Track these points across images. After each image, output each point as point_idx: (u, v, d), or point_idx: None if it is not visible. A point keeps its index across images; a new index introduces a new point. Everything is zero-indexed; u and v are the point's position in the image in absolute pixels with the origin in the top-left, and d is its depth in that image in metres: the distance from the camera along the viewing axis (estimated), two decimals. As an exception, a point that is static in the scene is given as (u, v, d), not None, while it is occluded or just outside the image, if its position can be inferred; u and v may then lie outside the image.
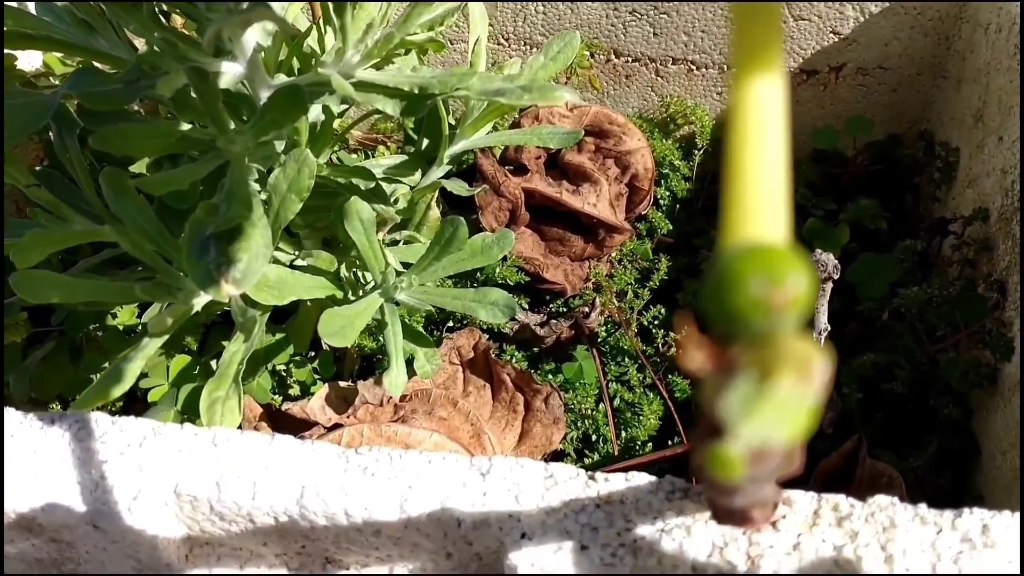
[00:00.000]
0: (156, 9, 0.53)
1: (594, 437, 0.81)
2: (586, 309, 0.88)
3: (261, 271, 0.51)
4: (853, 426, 0.80)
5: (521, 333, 0.86)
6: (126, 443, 0.50)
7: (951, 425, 0.80)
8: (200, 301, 0.63)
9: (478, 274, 0.89)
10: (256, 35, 0.55)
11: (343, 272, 0.74)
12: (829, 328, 0.74)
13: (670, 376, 0.85)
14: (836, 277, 0.72)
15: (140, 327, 0.82)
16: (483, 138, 0.79)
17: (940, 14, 0.93)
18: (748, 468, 0.29)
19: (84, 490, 0.48)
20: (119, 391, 0.61)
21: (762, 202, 0.27)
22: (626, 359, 0.85)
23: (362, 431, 0.73)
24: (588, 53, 1.02)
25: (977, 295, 0.80)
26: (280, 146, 0.62)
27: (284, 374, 0.81)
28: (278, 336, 0.79)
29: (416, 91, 0.57)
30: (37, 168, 0.67)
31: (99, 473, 0.49)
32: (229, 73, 0.56)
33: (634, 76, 1.04)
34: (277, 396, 0.81)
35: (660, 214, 0.97)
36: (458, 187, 0.80)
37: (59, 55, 0.87)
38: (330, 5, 0.56)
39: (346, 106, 0.72)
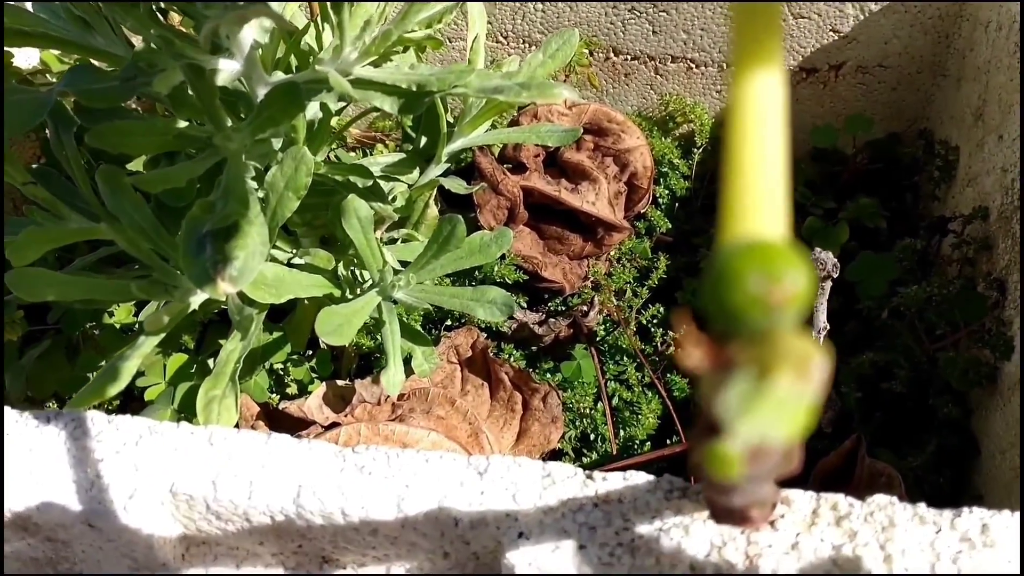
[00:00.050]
0: (153, 6, 0.53)
1: (592, 436, 0.81)
2: (585, 308, 0.88)
3: (258, 269, 0.51)
4: (852, 425, 0.80)
5: (519, 332, 0.86)
6: (122, 442, 0.50)
7: (950, 424, 0.80)
8: (197, 299, 0.63)
9: (476, 272, 0.89)
10: (253, 32, 0.55)
11: (341, 270, 0.74)
12: (828, 327, 0.74)
13: (669, 375, 0.84)
14: (835, 275, 0.72)
15: (137, 325, 0.82)
16: (481, 136, 0.79)
17: (940, 12, 0.93)
18: (746, 467, 0.29)
19: (80, 489, 0.48)
20: (115, 389, 0.61)
21: (761, 199, 0.27)
22: (625, 358, 0.85)
23: (359, 430, 0.73)
24: (587, 51, 1.02)
25: (977, 294, 0.80)
26: (277, 144, 0.62)
27: (281, 373, 0.81)
28: (275, 334, 0.79)
29: (414, 88, 0.57)
30: (34, 166, 0.67)
31: (95, 472, 0.49)
32: (226, 70, 0.55)
33: (633, 74, 1.04)
34: (274, 395, 0.81)
35: (659, 213, 0.97)
36: (456, 185, 0.80)
37: (56, 52, 0.87)
38: (328, 2, 0.56)
39: (344, 104, 0.72)
